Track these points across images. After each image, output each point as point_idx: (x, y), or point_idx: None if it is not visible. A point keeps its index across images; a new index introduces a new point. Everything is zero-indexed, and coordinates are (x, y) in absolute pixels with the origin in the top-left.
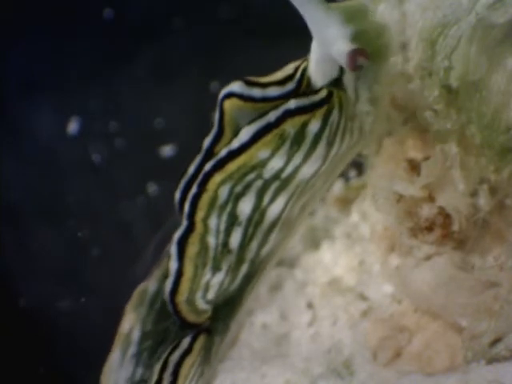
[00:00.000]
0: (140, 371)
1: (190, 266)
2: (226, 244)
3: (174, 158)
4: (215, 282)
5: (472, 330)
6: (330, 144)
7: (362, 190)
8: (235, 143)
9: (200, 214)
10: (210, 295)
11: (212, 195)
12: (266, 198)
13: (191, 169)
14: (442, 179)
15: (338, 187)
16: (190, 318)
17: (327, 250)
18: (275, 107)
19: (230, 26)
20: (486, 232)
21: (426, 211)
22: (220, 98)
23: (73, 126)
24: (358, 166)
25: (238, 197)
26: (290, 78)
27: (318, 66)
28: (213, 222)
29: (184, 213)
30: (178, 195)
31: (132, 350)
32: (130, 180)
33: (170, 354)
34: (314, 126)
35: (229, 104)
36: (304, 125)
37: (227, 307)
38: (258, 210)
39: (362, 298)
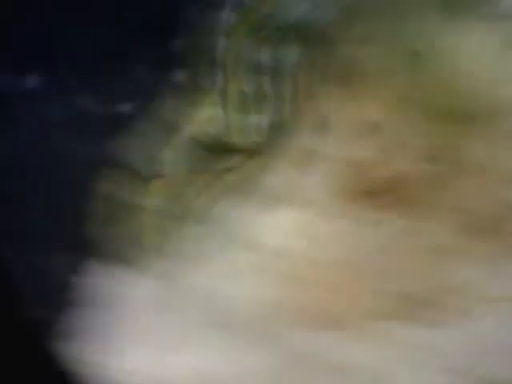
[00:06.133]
0: None
1: None
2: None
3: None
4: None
5: (406, 293)
6: None
7: (316, 153)
8: None
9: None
10: None
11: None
12: None
13: None
14: (398, 143)
15: (293, 148)
16: None
17: (265, 210)
18: None
19: None
20: (441, 198)
21: (380, 174)
22: None
23: (31, 81)
24: (318, 127)
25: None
26: None
27: None
28: None
29: None
30: None
31: None
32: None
33: None
34: None
35: None
36: None
37: None
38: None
39: (289, 257)
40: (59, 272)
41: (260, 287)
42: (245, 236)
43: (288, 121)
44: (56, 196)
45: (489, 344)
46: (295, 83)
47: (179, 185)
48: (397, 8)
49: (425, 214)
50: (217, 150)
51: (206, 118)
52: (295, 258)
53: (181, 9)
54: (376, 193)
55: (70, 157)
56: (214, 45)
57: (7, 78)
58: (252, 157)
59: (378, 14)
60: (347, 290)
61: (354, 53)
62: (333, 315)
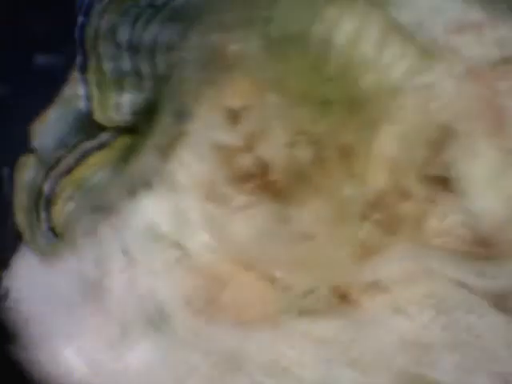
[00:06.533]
0: None
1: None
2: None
3: None
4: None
5: (285, 281)
6: None
7: (181, 137)
8: None
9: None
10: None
11: (95, 26)
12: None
13: None
14: (261, 129)
15: (162, 131)
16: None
17: (144, 197)
18: None
19: None
20: (305, 184)
21: (245, 161)
22: None
23: None
24: (182, 111)
25: (116, 26)
26: None
27: None
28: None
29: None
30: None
31: None
32: None
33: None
34: None
35: None
36: None
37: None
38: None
39: (178, 245)
40: None
41: (128, 271)
42: (113, 217)
43: (158, 102)
44: None
45: (370, 335)
46: (164, 64)
47: (49, 160)
48: None
49: (293, 200)
50: (87, 127)
51: (76, 95)
52: (168, 244)
53: None
54: (243, 179)
55: None
56: (84, 24)
57: None
58: (121, 136)
59: None
60: (229, 279)
61: (216, 38)
62: (221, 303)
